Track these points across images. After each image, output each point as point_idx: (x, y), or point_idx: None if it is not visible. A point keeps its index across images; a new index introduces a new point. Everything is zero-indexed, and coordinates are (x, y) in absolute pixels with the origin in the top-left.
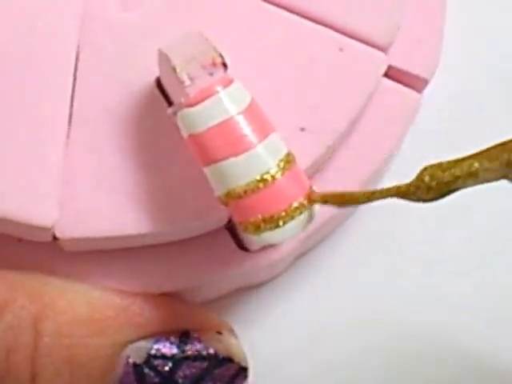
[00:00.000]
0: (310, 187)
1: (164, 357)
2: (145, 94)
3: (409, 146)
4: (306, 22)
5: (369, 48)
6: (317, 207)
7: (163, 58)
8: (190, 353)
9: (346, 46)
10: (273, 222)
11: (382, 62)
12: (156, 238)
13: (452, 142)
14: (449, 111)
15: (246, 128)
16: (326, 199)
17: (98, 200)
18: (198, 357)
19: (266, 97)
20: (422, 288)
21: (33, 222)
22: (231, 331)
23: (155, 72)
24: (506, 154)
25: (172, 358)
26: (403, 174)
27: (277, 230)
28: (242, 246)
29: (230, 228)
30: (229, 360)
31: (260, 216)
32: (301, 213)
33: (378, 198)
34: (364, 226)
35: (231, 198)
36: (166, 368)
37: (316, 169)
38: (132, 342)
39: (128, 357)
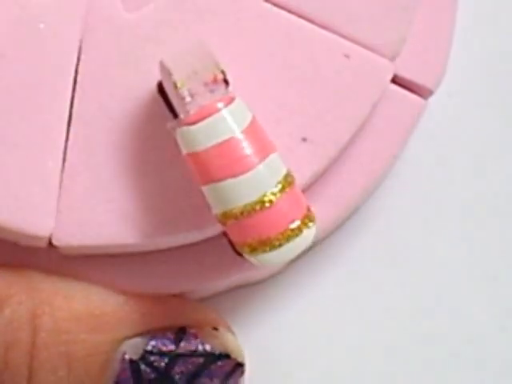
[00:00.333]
0: (308, 209)
1: (160, 353)
2: (146, 100)
3: (410, 150)
4: (311, 27)
5: (375, 55)
6: (314, 229)
7: (165, 71)
8: (186, 349)
9: (352, 53)
10: (269, 244)
11: (387, 70)
12: (153, 247)
13: (454, 146)
14: (452, 115)
15: (246, 148)
16: None
17: (95, 208)
18: (194, 353)
19: (267, 105)
20: (423, 289)
21: (28, 231)
22: (228, 327)
23: (157, 76)
24: None
25: (168, 354)
26: (405, 177)
27: (273, 252)
28: (239, 252)
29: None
30: (225, 356)
31: (256, 237)
32: (298, 235)
33: None
34: (365, 225)
35: (228, 218)
36: (163, 364)
37: (317, 178)
38: (129, 338)
39: (124, 353)
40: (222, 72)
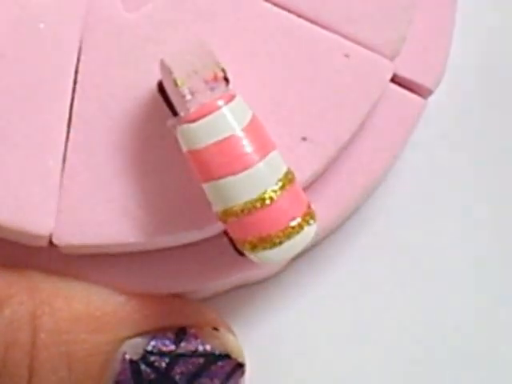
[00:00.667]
0: (309, 206)
1: (161, 353)
2: (147, 100)
3: (410, 150)
4: (311, 27)
5: (375, 55)
6: (315, 226)
7: (165, 69)
8: (186, 349)
9: (352, 52)
10: (270, 242)
11: (387, 70)
12: (153, 246)
13: (454, 146)
14: (452, 115)
15: (246, 146)
16: None
17: (96, 207)
18: (194, 353)
19: (267, 104)
20: (423, 288)
21: (29, 230)
22: (228, 327)
23: (158, 75)
24: None
25: (169, 354)
26: (405, 177)
27: (274, 250)
28: (240, 252)
29: (228, 233)
30: (226, 356)
31: (257, 235)
32: (298, 232)
33: None
34: (365, 226)
35: (228, 215)
36: (163, 364)
37: (317, 177)
38: (129, 338)
39: (125, 353)
40: (223, 70)
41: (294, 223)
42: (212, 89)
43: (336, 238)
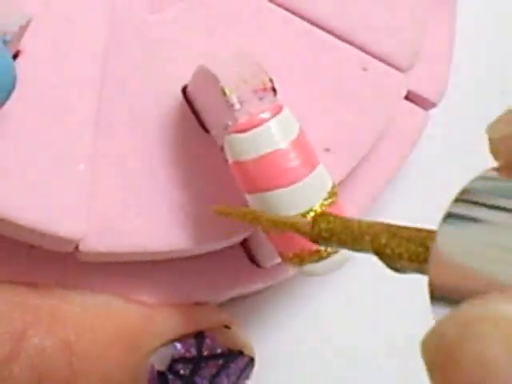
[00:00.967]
0: None
1: (185, 360)
2: (173, 105)
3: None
4: (330, 39)
5: (390, 69)
6: None
7: (208, 77)
8: (206, 353)
9: (370, 66)
10: (317, 255)
11: (402, 83)
12: (178, 254)
13: (454, 146)
14: (451, 115)
15: (295, 160)
16: None
17: (125, 215)
18: (214, 355)
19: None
20: (423, 288)
21: (60, 233)
22: (238, 324)
23: (184, 80)
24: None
25: (191, 360)
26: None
27: (320, 263)
28: (254, 262)
29: (244, 244)
30: (239, 353)
31: (306, 248)
32: None
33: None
34: None
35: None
36: (187, 371)
37: None
38: (156, 349)
39: (153, 365)
40: (271, 80)
41: None
42: (261, 98)
43: None
